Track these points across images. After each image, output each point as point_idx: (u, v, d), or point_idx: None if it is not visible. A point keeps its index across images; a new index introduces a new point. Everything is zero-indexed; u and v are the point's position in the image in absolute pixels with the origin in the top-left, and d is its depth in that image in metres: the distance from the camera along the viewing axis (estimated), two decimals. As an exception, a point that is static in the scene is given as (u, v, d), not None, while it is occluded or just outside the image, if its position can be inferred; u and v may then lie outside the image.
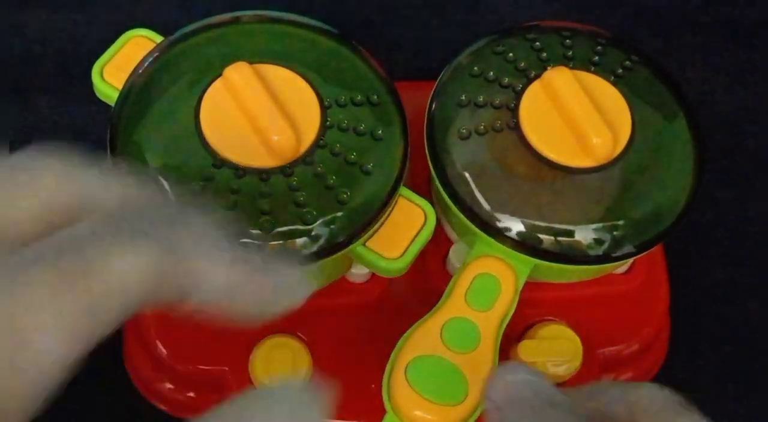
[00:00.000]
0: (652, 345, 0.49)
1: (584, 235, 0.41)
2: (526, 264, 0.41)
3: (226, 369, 0.45)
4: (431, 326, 0.40)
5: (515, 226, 0.41)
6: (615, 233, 0.41)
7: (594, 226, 0.41)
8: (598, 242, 0.41)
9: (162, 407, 0.48)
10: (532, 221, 0.40)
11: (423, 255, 0.41)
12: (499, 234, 0.41)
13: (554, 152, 0.41)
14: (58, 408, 0.51)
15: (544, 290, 0.46)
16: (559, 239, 0.41)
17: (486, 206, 0.41)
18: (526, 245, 0.40)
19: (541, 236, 0.40)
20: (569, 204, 0.41)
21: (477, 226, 0.41)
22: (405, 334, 0.40)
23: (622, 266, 0.47)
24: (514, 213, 0.40)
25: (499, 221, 0.41)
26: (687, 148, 0.43)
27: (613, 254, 0.41)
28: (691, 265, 0.54)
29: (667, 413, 0.32)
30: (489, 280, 0.41)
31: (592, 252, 0.41)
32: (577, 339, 0.45)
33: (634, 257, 0.47)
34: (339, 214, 0.39)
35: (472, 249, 0.42)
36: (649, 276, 0.48)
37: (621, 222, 0.41)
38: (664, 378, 0.51)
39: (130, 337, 0.48)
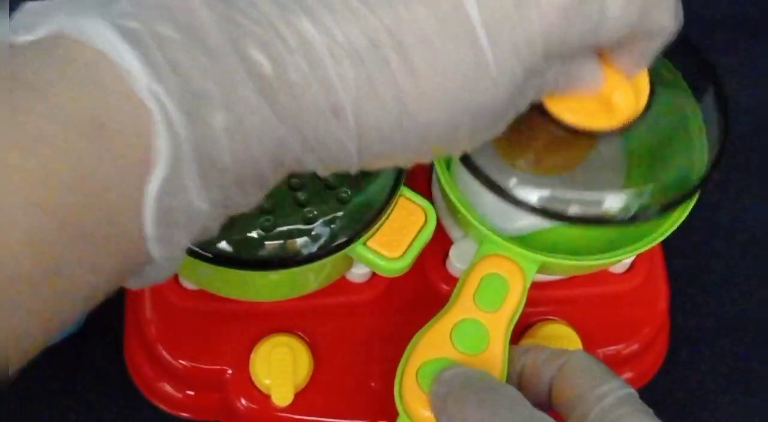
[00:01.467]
0: (651, 344, 0.49)
1: (610, 199, 0.40)
2: (533, 262, 0.41)
3: (227, 368, 0.45)
4: (440, 329, 0.40)
5: (538, 189, 0.40)
6: (641, 196, 0.40)
7: (619, 190, 0.41)
8: (624, 205, 0.40)
9: (162, 406, 0.48)
10: (554, 186, 0.40)
11: (423, 255, 0.41)
12: (519, 202, 0.39)
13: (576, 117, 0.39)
14: (60, 407, 0.51)
15: (544, 289, 0.46)
16: (585, 202, 0.40)
17: (506, 173, 0.40)
18: (548, 212, 0.39)
19: (566, 197, 0.40)
20: (593, 168, 0.41)
21: (495, 192, 0.40)
22: (414, 337, 0.40)
23: (621, 266, 0.47)
24: (536, 177, 0.40)
25: (520, 185, 0.40)
26: (708, 110, 0.42)
27: (640, 216, 0.40)
28: (690, 265, 0.54)
29: (588, 376, 0.36)
30: (496, 280, 0.41)
31: (619, 215, 0.40)
32: (577, 338, 0.45)
33: (634, 258, 0.47)
34: (340, 213, 0.39)
35: (479, 248, 0.42)
36: (648, 276, 0.48)
37: (647, 185, 0.41)
38: (664, 376, 0.51)
39: (131, 336, 0.48)
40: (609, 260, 0.42)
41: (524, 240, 0.42)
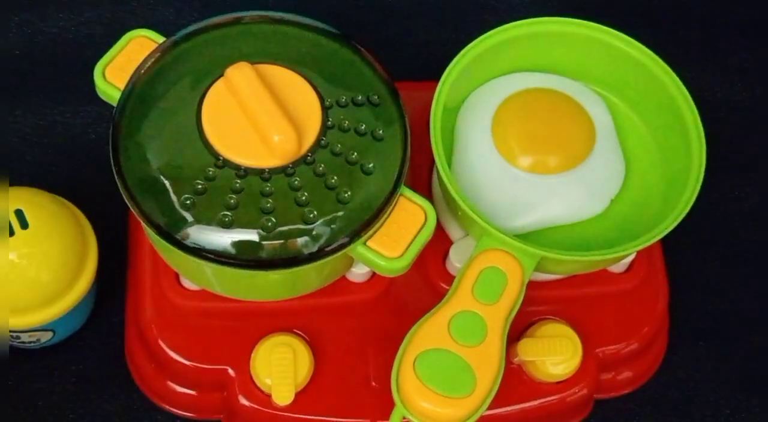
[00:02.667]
0: (651, 344, 0.49)
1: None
2: (531, 257, 0.41)
3: (228, 367, 0.45)
4: (439, 319, 0.40)
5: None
6: None
7: None
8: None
9: (163, 405, 0.48)
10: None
11: (423, 255, 0.42)
12: None
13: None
14: (60, 406, 0.51)
15: (543, 289, 0.46)
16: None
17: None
18: None
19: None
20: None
21: None
22: (413, 328, 0.40)
23: (621, 266, 0.47)
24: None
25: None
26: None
27: None
28: (690, 265, 0.54)
29: None
30: (495, 273, 0.41)
31: None
32: (577, 338, 0.45)
33: (633, 258, 0.47)
34: (340, 213, 0.39)
35: (478, 243, 0.42)
36: (648, 275, 0.48)
37: None
38: (663, 376, 0.51)
39: (132, 336, 0.48)
40: (607, 257, 0.42)
41: (523, 238, 0.42)
